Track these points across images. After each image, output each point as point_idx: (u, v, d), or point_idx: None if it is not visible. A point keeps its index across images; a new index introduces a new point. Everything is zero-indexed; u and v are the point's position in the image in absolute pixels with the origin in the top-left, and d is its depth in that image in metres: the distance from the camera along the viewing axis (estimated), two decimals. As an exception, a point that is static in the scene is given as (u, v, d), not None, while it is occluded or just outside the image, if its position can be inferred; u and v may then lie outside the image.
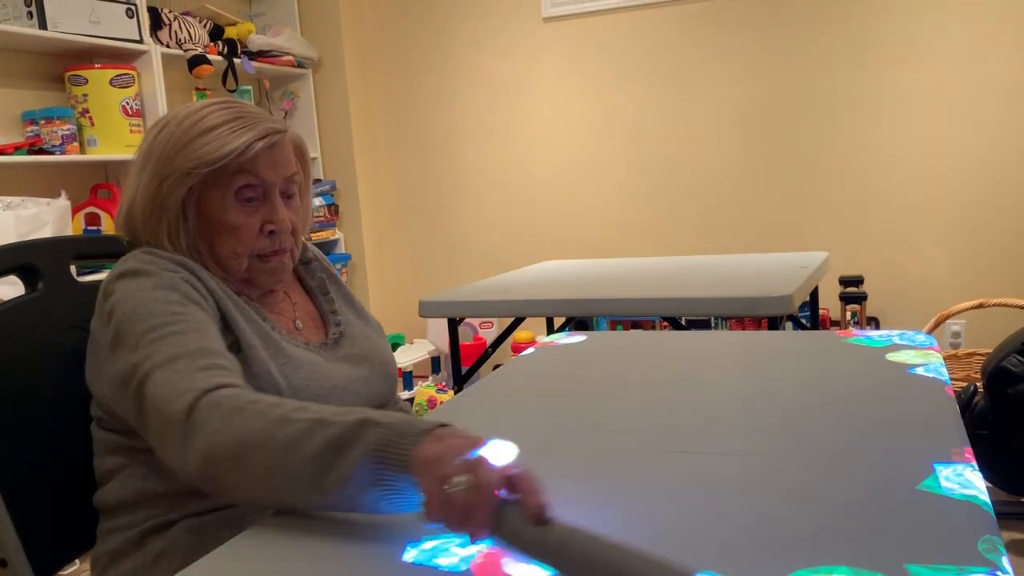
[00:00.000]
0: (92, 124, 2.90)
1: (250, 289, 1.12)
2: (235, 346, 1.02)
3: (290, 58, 3.76)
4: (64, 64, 2.94)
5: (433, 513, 0.68)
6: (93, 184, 3.02)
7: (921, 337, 1.36)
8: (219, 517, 1.00)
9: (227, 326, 1.03)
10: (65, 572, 2.46)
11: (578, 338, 1.55)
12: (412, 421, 0.75)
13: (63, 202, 2.56)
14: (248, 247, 1.07)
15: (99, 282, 1.26)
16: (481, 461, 0.68)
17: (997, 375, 2.22)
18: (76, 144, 2.83)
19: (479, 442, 0.70)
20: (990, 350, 2.55)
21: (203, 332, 0.95)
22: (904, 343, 1.32)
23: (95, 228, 2.86)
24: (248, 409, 0.82)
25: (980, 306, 2.92)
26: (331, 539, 0.74)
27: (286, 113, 3.96)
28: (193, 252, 1.07)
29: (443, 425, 0.74)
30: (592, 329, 3.24)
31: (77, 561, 2.51)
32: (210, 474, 0.82)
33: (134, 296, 0.97)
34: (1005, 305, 2.91)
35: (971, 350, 3.10)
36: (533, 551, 0.64)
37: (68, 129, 2.80)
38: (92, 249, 1.29)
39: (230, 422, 0.81)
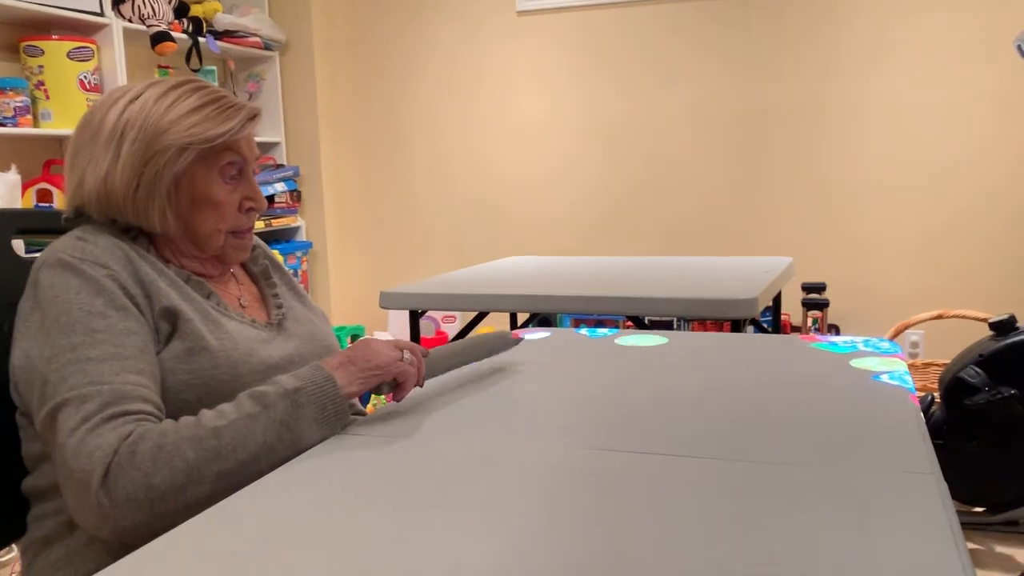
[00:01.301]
0: (47, 97, 2.81)
1: (211, 268, 1.14)
2: (172, 321, 1.02)
3: (257, 39, 3.69)
4: (19, 33, 2.85)
5: (411, 384, 1.03)
6: (46, 159, 2.92)
7: (886, 344, 1.35)
8: None
9: (162, 306, 1.02)
10: (3, 558, 2.38)
11: (542, 334, 1.53)
12: (307, 372, 0.97)
13: (13, 176, 2.47)
14: (229, 223, 1.10)
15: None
16: (394, 342, 1.03)
17: (954, 386, 2.23)
18: (29, 117, 2.74)
19: (366, 346, 1.01)
20: (948, 361, 2.57)
21: (119, 357, 0.94)
22: (868, 350, 1.31)
23: (47, 204, 2.77)
24: (167, 444, 0.88)
25: (939, 317, 2.95)
26: (276, 529, 0.70)
27: (251, 95, 3.88)
28: (176, 229, 1.08)
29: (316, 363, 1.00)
30: (555, 326, 3.21)
31: (15, 546, 2.44)
32: (161, 513, 0.86)
33: (58, 297, 0.96)
34: (964, 317, 2.94)
35: (929, 360, 3.13)
36: (437, 369, 1.13)
37: (21, 101, 2.70)
38: (37, 223, 1.23)
39: (159, 462, 0.86)
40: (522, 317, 3.20)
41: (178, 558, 0.67)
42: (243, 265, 1.24)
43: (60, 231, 1.28)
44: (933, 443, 2.23)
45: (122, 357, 0.94)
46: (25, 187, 2.74)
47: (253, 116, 1.09)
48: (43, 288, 0.97)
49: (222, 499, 0.81)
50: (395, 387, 1.02)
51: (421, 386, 1.08)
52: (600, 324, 3.42)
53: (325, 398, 0.95)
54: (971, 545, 2.26)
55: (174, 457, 0.87)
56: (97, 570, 0.67)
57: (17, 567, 2.35)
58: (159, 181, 1.03)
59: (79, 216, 1.08)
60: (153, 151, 1.03)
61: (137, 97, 1.05)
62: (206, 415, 0.91)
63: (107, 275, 0.98)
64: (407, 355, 1.02)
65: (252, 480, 0.87)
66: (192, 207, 1.07)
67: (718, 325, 3.18)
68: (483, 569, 0.64)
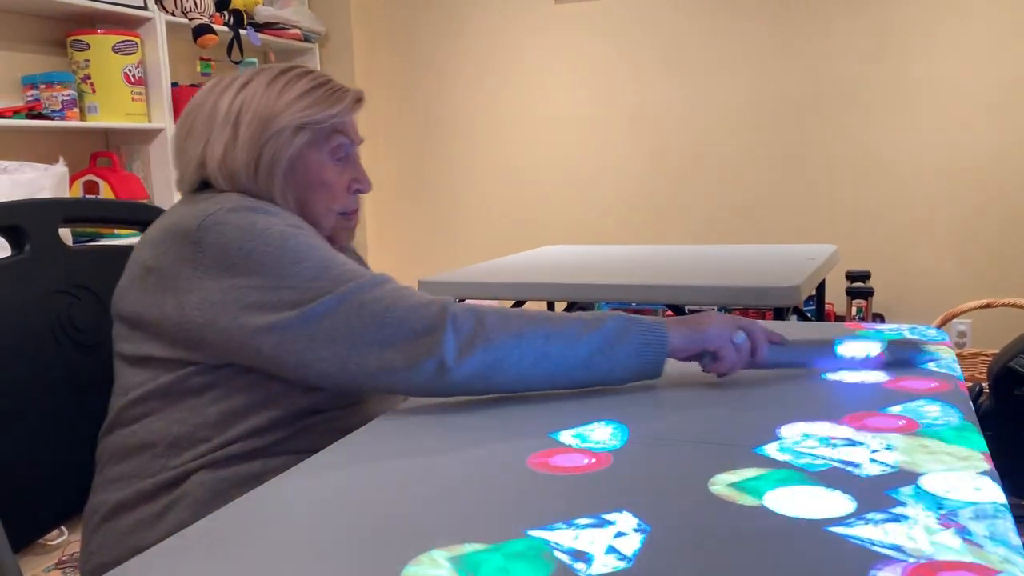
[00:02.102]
0: (93, 91, 2.86)
1: None
2: None
3: (297, 31, 3.71)
4: (66, 28, 2.90)
5: (728, 362, 1.02)
6: (93, 152, 2.98)
7: (932, 332, 1.32)
8: (235, 473, 0.97)
9: None
10: (54, 542, 2.44)
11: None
12: (645, 318, 1.01)
13: (61, 168, 2.52)
14: (340, 204, 1.12)
15: (94, 248, 1.23)
16: (737, 320, 1.03)
17: (1004, 376, 2.18)
18: (76, 110, 2.79)
19: (708, 317, 1.03)
20: (996, 350, 2.51)
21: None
22: (914, 338, 1.29)
23: (94, 196, 2.83)
24: (507, 313, 0.95)
25: (987, 306, 2.88)
26: (342, 500, 0.71)
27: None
28: (293, 209, 1.10)
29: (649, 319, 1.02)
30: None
31: (64, 530, 2.49)
32: (487, 363, 0.92)
33: (269, 230, 0.97)
34: (1013, 306, 2.87)
35: (976, 350, 3.06)
36: (782, 360, 1.08)
37: (68, 95, 2.75)
38: (83, 212, 1.25)
39: (498, 320, 0.93)
40: (560, 306, 3.19)
41: (205, 552, 0.68)
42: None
43: (106, 220, 1.30)
44: (983, 434, 2.19)
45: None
46: (73, 179, 2.79)
47: (360, 99, 1.13)
48: (238, 225, 0.96)
49: (537, 394, 0.95)
50: (715, 360, 1.03)
51: (757, 367, 1.06)
52: (639, 313, 3.40)
53: (651, 336, 0.99)
54: None
55: (510, 323, 0.93)
56: (159, 541, 0.67)
57: (66, 552, 2.40)
58: (276, 163, 1.06)
59: (203, 188, 1.09)
60: (269, 133, 1.05)
61: (247, 84, 1.08)
62: (535, 311, 0.98)
63: (296, 222, 1.03)
64: (740, 336, 1.02)
65: (565, 386, 0.97)
66: (307, 188, 1.09)
67: (760, 314, 3.14)
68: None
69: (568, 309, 2.88)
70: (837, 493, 0.70)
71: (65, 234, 1.19)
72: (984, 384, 2.31)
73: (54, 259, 1.14)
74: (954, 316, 2.94)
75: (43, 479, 1.09)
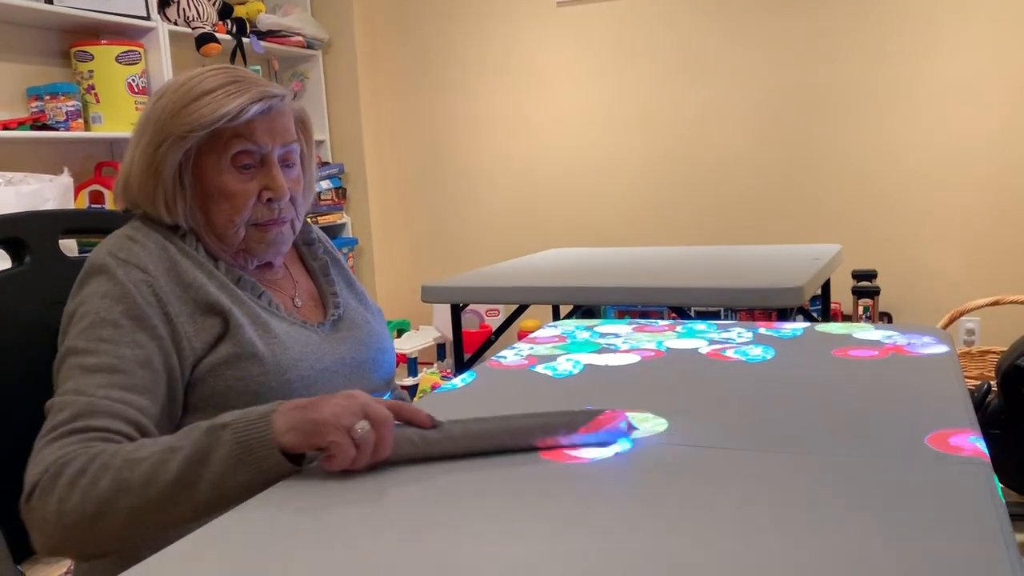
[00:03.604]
0: (97, 101, 2.87)
1: (247, 261, 1.10)
2: (223, 323, 1.00)
3: (300, 39, 3.73)
4: (70, 40, 2.91)
5: (344, 459, 0.78)
6: (98, 162, 2.99)
7: (927, 339, 1.31)
8: None
9: (210, 310, 1.01)
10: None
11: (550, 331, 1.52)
12: (251, 409, 0.84)
13: (65, 179, 2.53)
14: (244, 215, 1.04)
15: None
16: (365, 405, 0.81)
17: (1012, 373, 2.17)
18: (81, 121, 2.81)
19: (329, 400, 0.81)
20: (1005, 348, 2.50)
21: (113, 370, 0.93)
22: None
23: (99, 206, 2.84)
24: (90, 470, 0.83)
25: (996, 303, 2.87)
26: (285, 539, 0.71)
27: (295, 95, 3.92)
28: (190, 220, 1.05)
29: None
30: (599, 318, 3.20)
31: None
32: (74, 540, 0.84)
33: (85, 300, 0.98)
34: (1021, 303, 2.85)
35: (985, 348, 3.04)
36: (436, 449, 0.83)
37: (73, 105, 2.77)
38: (83, 223, 1.26)
39: (75, 488, 0.83)
40: (564, 309, 3.19)
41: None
42: (301, 259, 1.21)
43: (106, 230, 1.31)
44: (990, 433, 2.17)
45: (115, 370, 0.92)
46: (78, 190, 2.80)
47: (263, 98, 1.01)
48: (83, 289, 0.99)
49: (169, 535, 0.76)
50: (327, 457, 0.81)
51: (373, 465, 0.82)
52: (644, 315, 3.39)
53: (251, 438, 0.81)
54: (1032, 537, 2.19)
55: (91, 486, 0.82)
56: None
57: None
58: (164, 167, 1.02)
59: (127, 212, 1.09)
60: (160, 140, 1.01)
61: (167, 89, 1.05)
62: (143, 443, 0.85)
63: (142, 280, 0.98)
64: (361, 425, 0.79)
65: (192, 521, 0.80)
66: (206, 198, 1.04)
67: (766, 315, 3.13)
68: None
69: (573, 312, 2.87)
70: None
71: (70, 245, 1.20)
72: (992, 382, 2.29)
73: (54, 270, 1.15)
74: (962, 314, 2.92)
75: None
